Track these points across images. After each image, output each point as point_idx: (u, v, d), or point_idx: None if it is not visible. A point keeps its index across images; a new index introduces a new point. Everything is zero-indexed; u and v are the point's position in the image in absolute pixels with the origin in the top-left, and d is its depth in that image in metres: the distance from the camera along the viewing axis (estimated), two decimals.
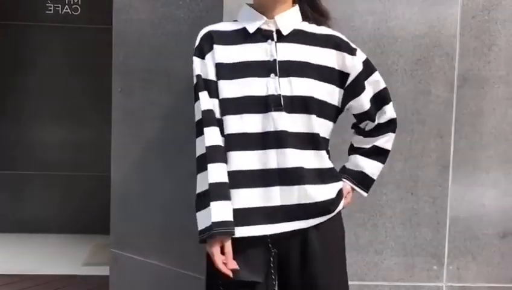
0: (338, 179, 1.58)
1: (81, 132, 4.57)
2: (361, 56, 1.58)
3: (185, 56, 2.21)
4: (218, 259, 1.42)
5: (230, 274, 1.40)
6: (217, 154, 1.45)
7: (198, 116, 1.49)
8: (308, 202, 1.49)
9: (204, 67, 1.51)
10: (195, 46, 1.53)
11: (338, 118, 1.60)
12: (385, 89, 1.63)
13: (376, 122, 1.63)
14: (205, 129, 1.46)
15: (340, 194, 1.56)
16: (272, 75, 1.47)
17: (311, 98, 1.50)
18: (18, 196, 4.61)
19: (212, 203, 1.42)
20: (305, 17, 1.58)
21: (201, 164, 1.46)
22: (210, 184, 1.43)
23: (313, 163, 1.50)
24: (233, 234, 1.42)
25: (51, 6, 4.61)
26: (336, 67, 1.55)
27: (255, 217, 1.46)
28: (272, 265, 1.48)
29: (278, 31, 1.52)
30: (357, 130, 1.69)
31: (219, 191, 1.43)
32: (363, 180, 1.66)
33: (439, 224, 2.16)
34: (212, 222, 1.40)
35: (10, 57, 4.56)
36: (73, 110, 4.57)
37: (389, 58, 2.11)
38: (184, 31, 2.23)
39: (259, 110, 1.46)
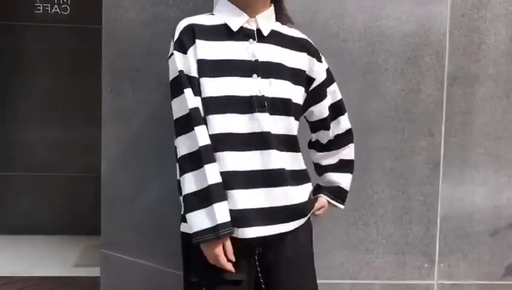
0: (309, 180, 1.59)
1: (71, 132, 4.54)
2: (325, 64, 1.64)
3: None
4: (224, 259, 1.40)
5: (233, 271, 1.41)
6: (210, 154, 1.41)
7: (182, 112, 1.42)
8: (289, 203, 1.50)
9: (186, 63, 1.44)
10: (174, 39, 1.47)
11: None
12: (341, 100, 1.68)
13: (331, 133, 1.66)
14: (196, 128, 1.40)
15: (310, 196, 1.58)
16: (255, 75, 1.46)
17: (289, 100, 1.52)
18: (7, 197, 4.57)
19: (216, 205, 1.38)
20: (278, 19, 1.58)
21: (193, 163, 1.41)
22: (211, 185, 1.38)
23: (291, 165, 1.52)
24: (233, 233, 1.41)
25: (40, 6, 4.58)
26: (306, 71, 1.57)
27: (244, 219, 1.44)
28: (257, 263, 1.48)
29: (259, 31, 1.50)
30: (317, 147, 1.71)
31: (220, 192, 1.40)
32: (340, 194, 1.70)
33: (430, 222, 2.17)
34: (219, 224, 1.37)
35: None
36: (62, 110, 4.54)
37: (380, 57, 2.11)
38: (174, 31, 2.21)
39: (243, 111, 1.44)
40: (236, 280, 1.46)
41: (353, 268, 2.16)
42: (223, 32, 1.48)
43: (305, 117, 1.65)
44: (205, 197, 1.39)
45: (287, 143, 1.51)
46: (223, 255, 1.40)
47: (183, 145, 1.42)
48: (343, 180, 1.70)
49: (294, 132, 1.54)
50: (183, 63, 1.44)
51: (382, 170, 2.14)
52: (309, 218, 1.58)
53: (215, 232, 1.37)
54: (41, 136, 4.55)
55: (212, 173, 1.40)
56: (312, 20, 2.09)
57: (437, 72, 2.14)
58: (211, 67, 1.44)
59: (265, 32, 1.51)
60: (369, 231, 2.16)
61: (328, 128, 1.65)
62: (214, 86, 1.44)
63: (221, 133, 1.43)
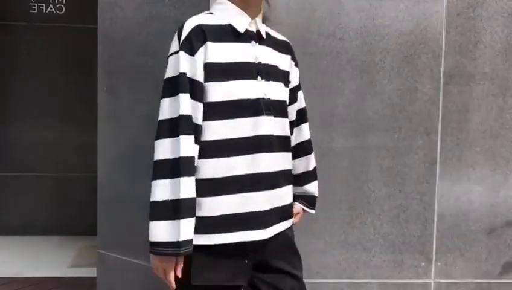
0: (293, 180, 1.63)
1: (67, 132, 4.52)
2: (298, 69, 1.66)
3: None
4: (173, 276, 1.37)
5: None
6: (191, 166, 1.36)
7: (171, 115, 1.37)
8: (283, 204, 1.53)
9: (193, 66, 1.37)
10: (182, 38, 1.38)
11: None
12: (306, 108, 1.70)
13: (294, 139, 1.67)
14: (182, 137, 1.34)
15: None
16: (259, 78, 1.45)
17: (285, 102, 1.55)
18: (2, 197, 4.55)
19: (183, 221, 1.33)
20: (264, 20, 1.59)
21: (168, 171, 1.35)
22: (182, 199, 1.33)
23: (285, 165, 1.54)
24: (191, 251, 1.36)
25: (35, 6, 4.56)
26: (289, 73, 1.60)
27: (246, 223, 1.42)
28: (251, 266, 1.48)
29: (258, 33, 1.50)
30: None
31: (190, 208, 1.35)
32: (313, 201, 1.74)
33: (426, 221, 2.17)
34: (183, 241, 1.32)
35: None
36: (58, 110, 4.52)
37: (376, 55, 2.11)
38: (170, 30, 2.19)
39: (250, 114, 1.42)
40: (236, 286, 1.46)
41: (350, 267, 2.16)
42: (229, 34, 1.43)
43: None
44: (173, 210, 1.33)
45: (284, 144, 1.53)
46: (173, 272, 1.37)
47: (162, 150, 1.36)
48: (315, 189, 1.73)
49: (288, 133, 1.56)
50: (188, 65, 1.37)
51: (379, 168, 2.14)
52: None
53: (177, 249, 1.33)
54: (36, 136, 4.54)
55: (187, 187, 1.34)
56: (308, 19, 2.09)
57: (433, 71, 2.14)
58: (220, 71, 1.39)
59: (264, 34, 1.51)
60: (366, 229, 2.16)
61: (291, 132, 1.65)
62: (222, 90, 1.39)
63: (228, 139, 1.40)
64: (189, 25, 1.40)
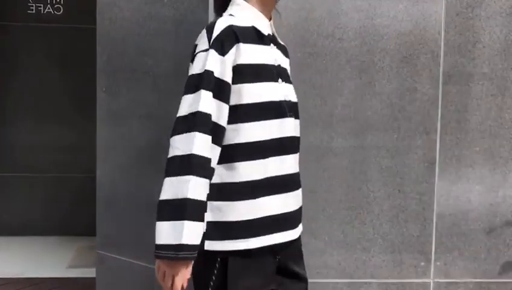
0: None
1: (65, 132, 4.52)
2: None
3: (170, 55, 2.20)
4: (169, 282, 1.31)
5: None
6: (205, 168, 1.32)
7: (189, 111, 1.33)
8: (301, 204, 1.55)
9: (222, 66, 1.34)
10: (213, 36, 1.35)
11: None
12: None
13: None
14: (199, 135, 1.30)
15: None
16: (279, 80, 1.45)
17: (297, 104, 1.56)
18: (1, 198, 4.54)
19: (188, 223, 1.27)
20: None
21: (179, 167, 1.31)
22: (189, 199, 1.28)
23: (298, 166, 1.56)
24: (193, 259, 1.31)
25: (32, 6, 4.56)
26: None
27: (280, 224, 1.42)
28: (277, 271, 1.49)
29: (273, 35, 1.53)
30: None
31: (198, 211, 1.31)
32: None
33: (426, 220, 2.18)
34: (185, 244, 1.27)
35: None
36: (57, 110, 4.52)
37: (375, 55, 2.11)
38: (169, 30, 2.21)
39: (277, 116, 1.42)
40: None
41: (349, 267, 2.16)
42: (255, 36, 1.43)
43: None
44: (178, 210, 1.29)
45: (298, 145, 1.56)
46: (172, 279, 1.31)
47: (175, 146, 1.33)
48: None
49: (300, 134, 1.59)
50: (217, 64, 1.34)
51: (378, 168, 2.14)
52: None
53: (175, 252, 1.27)
54: (34, 137, 4.53)
55: (196, 188, 1.29)
56: (307, 19, 2.09)
57: (432, 71, 2.14)
58: (252, 72, 1.38)
59: (278, 37, 1.54)
60: (365, 229, 2.16)
61: None
62: (254, 92, 1.38)
63: (263, 140, 1.39)
64: (221, 25, 1.37)
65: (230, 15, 1.44)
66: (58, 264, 3.73)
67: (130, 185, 2.38)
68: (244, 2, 1.46)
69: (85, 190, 4.06)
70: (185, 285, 1.32)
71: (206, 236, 1.36)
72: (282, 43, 1.62)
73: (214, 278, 1.38)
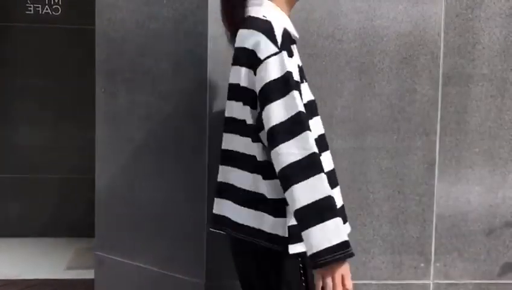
0: None
1: (64, 133, 4.50)
2: None
3: (169, 55, 2.20)
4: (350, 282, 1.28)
5: None
6: (321, 162, 1.30)
7: (289, 114, 1.29)
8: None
9: (294, 67, 1.36)
10: (279, 40, 1.34)
11: None
12: None
13: None
14: (310, 133, 1.28)
15: None
16: (304, 80, 1.50)
17: None
18: None
19: (338, 219, 1.24)
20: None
21: (308, 170, 1.26)
22: (330, 195, 1.26)
23: None
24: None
25: (30, 7, 4.54)
26: None
27: (343, 217, 1.43)
28: None
29: None
30: None
31: (336, 205, 1.29)
32: None
33: (425, 222, 2.17)
34: (347, 240, 1.24)
35: None
36: (54, 111, 4.50)
37: (375, 57, 2.11)
38: (168, 31, 2.20)
39: (313, 114, 1.49)
40: None
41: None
42: (291, 38, 1.44)
43: None
44: (328, 208, 1.24)
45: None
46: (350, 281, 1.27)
47: (290, 153, 1.27)
48: None
49: None
50: (291, 66, 1.34)
51: (378, 169, 2.14)
52: None
53: (348, 249, 1.23)
54: (32, 138, 4.51)
55: (327, 184, 1.27)
56: (307, 20, 2.09)
57: (432, 72, 2.14)
58: (301, 73, 1.46)
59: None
60: (365, 231, 2.16)
61: None
62: (305, 92, 1.47)
63: (317, 136, 1.45)
64: (278, 27, 1.37)
65: (264, 16, 1.41)
66: (56, 266, 3.71)
67: (129, 186, 2.37)
68: (270, 2, 1.47)
69: (84, 191, 4.04)
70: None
71: (290, 240, 1.35)
72: None
73: (302, 279, 1.39)
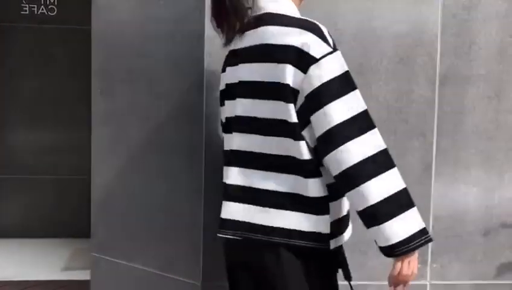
0: None
1: (60, 134, 4.50)
2: None
3: (166, 56, 2.19)
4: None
5: None
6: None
7: (356, 111, 1.32)
8: None
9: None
10: (330, 40, 1.37)
11: None
12: None
13: None
14: (377, 130, 1.34)
15: None
16: None
17: None
18: None
19: (415, 208, 1.33)
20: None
21: (382, 164, 1.32)
22: (406, 189, 1.34)
23: None
24: None
25: (26, 7, 4.53)
26: None
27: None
28: None
29: None
30: None
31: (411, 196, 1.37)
32: None
33: None
34: (425, 227, 1.34)
35: None
36: (50, 112, 4.49)
37: (373, 57, 2.11)
38: (165, 31, 2.20)
39: None
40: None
41: None
42: None
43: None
44: (406, 198, 1.33)
45: None
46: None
47: (364, 148, 1.30)
48: None
49: None
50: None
51: None
52: None
53: (427, 234, 1.32)
54: (29, 139, 4.51)
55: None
56: None
57: (429, 73, 2.14)
58: None
59: None
60: (362, 232, 2.15)
61: None
62: None
63: None
64: (325, 28, 1.39)
65: (292, 14, 1.45)
66: (53, 267, 3.71)
67: (126, 187, 2.37)
68: (293, 5, 1.50)
69: (80, 192, 4.04)
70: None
71: (331, 236, 1.41)
72: None
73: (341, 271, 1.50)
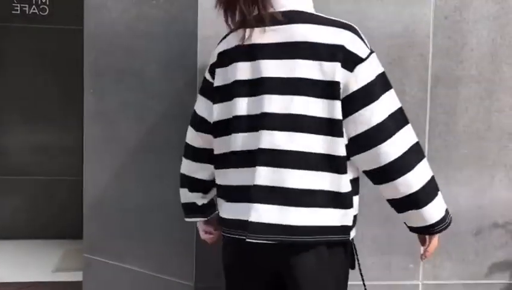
0: None
1: (52, 134, 4.47)
2: None
3: (159, 56, 2.19)
4: None
5: None
6: None
7: (395, 107, 1.43)
8: None
9: None
10: (367, 41, 1.47)
11: None
12: None
13: None
14: (410, 124, 1.47)
15: None
16: None
17: None
18: None
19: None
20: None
21: (421, 152, 1.47)
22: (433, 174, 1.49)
23: None
24: None
25: (17, 6, 4.51)
26: None
27: None
28: None
29: None
30: None
31: None
32: None
33: None
34: (447, 208, 1.53)
35: None
36: (44, 113, 4.47)
37: None
38: (157, 31, 2.19)
39: None
40: None
41: None
42: None
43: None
44: (436, 183, 1.49)
45: None
46: None
47: (405, 140, 1.42)
48: None
49: None
50: None
51: None
52: None
53: (448, 215, 1.53)
54: (20, 139, 4.48)
55: None
56: None
57: (421, 73, 2.15)
58: None
59: None
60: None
61: None
62: None
63: None
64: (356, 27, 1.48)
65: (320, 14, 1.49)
66: (44, 268, 3.68)
67: (118, 187, 2.36)
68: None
69: (72, 193, 4.02)
70: None
71: (351, 229, 1.46)
72: None
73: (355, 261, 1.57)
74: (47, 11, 4.54)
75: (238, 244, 1.44)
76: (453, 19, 2.16)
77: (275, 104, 1.39)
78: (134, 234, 2.32)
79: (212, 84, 1.53)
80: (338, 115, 1.37)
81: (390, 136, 1.38)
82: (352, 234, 1.50)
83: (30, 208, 4.47)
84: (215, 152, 1.54)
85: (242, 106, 1.43)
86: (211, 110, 1.54)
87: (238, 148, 1.44)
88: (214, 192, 1.67)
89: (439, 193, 1.50)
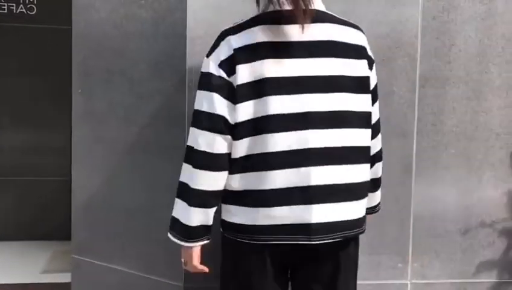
0: None
1: (40, 135, 4.43)
2: None
3: (147, 56, 2.18)
4: None
5: None
6: None
7: None
8: None
9: None
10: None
11: None
12: None
13: None
14: None
15: None
16: None
17: None
18: None
19: None
20: None
21: None
22: None
23: None
24: None
25: (4, 6, 4.46)
26: None
27: None
28: None
29: None
30: None
31: None
32: None
33: (403, 222, 2.19)
34: None
35: None
36: (31, 112, 4.43)
37: None
38: (146, 31, 2.18)
39: None
40: None
41: None
42: None
43: None
44: None
45: None
46: None
47: None
48: None
49: None
50: None
51: None
52: None
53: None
54: (7, 139, 4.44)
55: None
56: None
57: (409, 74, 2.16)
58: None
59: None
60: None
61: None
62: None
63: None
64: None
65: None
66: (32, 270, 3.65)
67: (106, 188, 2.35)
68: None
69: (60, 193, 3.99)
70: None
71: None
72: None
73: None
74: (35, 11, 4.50)
75: (276, 248, 1.44)
76: (440, 19, 2.17)
77: (320, 102, 1.41)
78: (123, 234, 2.31)
79: (228, 81, 1.43)
80: (370, 108, 1.54)
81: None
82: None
83: (17, 209, 4.43)
84: (238, 155, 1.44)
85: (278, 104, 1.39)
86: (231, 109, 1.42)
87: (279, 149, 1.39)
88: None
89: None
